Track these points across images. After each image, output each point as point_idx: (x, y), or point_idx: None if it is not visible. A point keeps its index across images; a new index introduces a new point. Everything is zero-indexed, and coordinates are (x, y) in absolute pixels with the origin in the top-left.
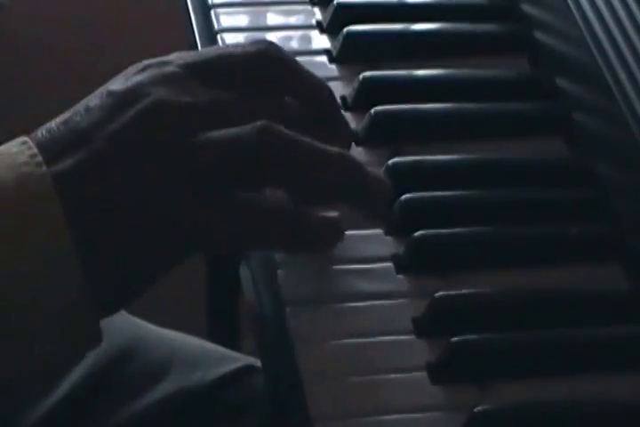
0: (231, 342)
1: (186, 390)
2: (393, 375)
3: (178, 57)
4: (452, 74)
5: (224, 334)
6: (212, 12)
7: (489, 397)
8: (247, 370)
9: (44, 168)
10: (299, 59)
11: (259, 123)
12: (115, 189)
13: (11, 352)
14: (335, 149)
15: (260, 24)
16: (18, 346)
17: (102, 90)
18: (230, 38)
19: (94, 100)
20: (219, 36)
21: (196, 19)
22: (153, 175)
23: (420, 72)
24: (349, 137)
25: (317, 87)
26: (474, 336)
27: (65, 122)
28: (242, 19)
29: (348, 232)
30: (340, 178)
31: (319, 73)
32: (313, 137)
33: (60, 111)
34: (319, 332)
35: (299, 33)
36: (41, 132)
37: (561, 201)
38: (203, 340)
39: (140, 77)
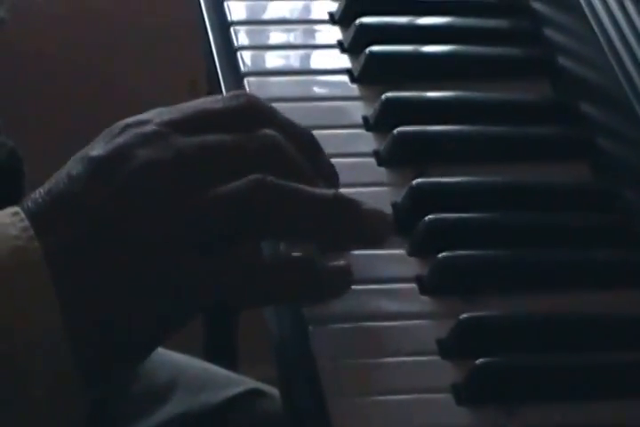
0: (229, 362)
1: (191, 412)
2: (418, 396)
3: (156, 114)
4: (474, 96)
5: (221, 353)
6: (232, 30)
7: (516, 420)
8: (253, 393)
9: (36, 243)
10: (318, 78)
11: (252, 177)
12: (112, 262)
13: None
14: (329, 191)
15: (280, 42)
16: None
17: (83, 155)
18: (249, 56)
19: (76, 167)
20: (238, 54)
21: (214, 35)
22: (152, 243)
23: (443, 93)
24: (336, 178)
25: (300, 135)
26: (499, 358)
27: (48, 192)
28: (261, 37)
29: (371, 252)
30: (340, 220)
31: (340, 93)
32: (305, 170)
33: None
34: (341, 352)
35: (319, 52)
36: (27, 203)
37: (587, 226)
38: (206, 362)
39: (120, 140)
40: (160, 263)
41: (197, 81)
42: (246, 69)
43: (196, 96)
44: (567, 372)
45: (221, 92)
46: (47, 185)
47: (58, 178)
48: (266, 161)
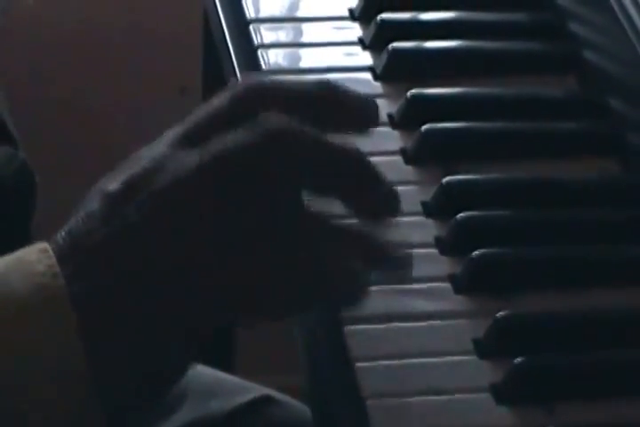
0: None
1: (202, 420)
2: (456, 396)
3: (165, 135)
4: (500, 91)
5: (219, 355)
6: (252, 28)
7: (556, 419)
8: (264, 400)
9: (62, 280)
10: (340, 76)
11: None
12: (131, 300)
13: None
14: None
15: (300, 40)
16: None
17: (99, 190)
18: (272, 55)
19: (92, 204)
20: (259, 52)
21: (231, 34)
22: (167, 278)
23: (469, 89)
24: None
25: (312, 94)
26: (538, 357)
27: (69, 232)
28: (282, 34)
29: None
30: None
31: (363, 90)
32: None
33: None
34: (377, 352)
35: (340, 49)
36: (50, 244)
37: (619, 221)
38: (215, 369)
39: (133, 171)
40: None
41: (188, 88)
42: (267, 68)
43: (187, 103)
44: (608, 369)
45: None
46: (68, 225)
47: (77, 217)
48: (279, 150)
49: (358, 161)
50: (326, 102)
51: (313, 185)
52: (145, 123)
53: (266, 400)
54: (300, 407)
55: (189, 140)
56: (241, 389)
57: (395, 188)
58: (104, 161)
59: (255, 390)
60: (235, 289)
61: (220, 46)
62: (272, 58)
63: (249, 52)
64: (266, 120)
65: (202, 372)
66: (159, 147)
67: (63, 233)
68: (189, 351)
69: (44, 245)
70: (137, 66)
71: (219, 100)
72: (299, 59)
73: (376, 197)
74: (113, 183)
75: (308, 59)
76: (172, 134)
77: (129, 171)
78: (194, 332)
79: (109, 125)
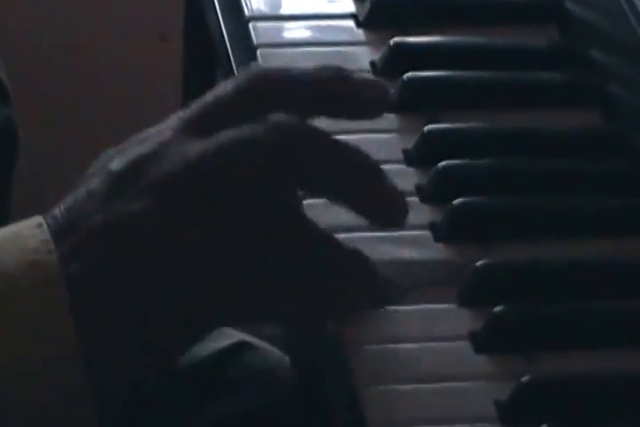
0: None
1: (179, 366)
2: (434, 344)
3: (174, 118)
4: (482, 41)
5: None
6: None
7: (535, 367)
8: (240, 346)
9: (55, 256)
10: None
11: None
12: (122, 280)
13: None
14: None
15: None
16: None
17: (102, 168)
18: (254, 1)
19: (94, 181)
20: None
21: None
22: (160, 261)
23: (451, 38)
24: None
25: (319, 88)
26: (517, 306)
27: (68, 209)
28: (274, 5)
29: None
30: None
31: (345, 38)
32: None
33: None
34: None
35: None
36: (48, 219)
37: (600, 171)
38: None
39: (138, 152)
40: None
41: (167, 35)
42: (249, 14)
43: (167, 51)
44: (587, 319)
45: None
46: (68, 200)
47: (78, 193)
48: (285, 148)
49: (365, 165)
50: (334, 89)
51: (317, 186)
52: (123, 69)
53: (242, 346)
54: (278, 354)
55: (195, 126)
56: (218, 335)
57: (405, 199)
58: (84, 110)
59: (233, 336)
60: (235, 276)
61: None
62: (254, 4)
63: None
64: (274, 118)
65: None
66: (165, 131)
67: (62, 208)
68: (187, 337)
69: (39, 219)
70: (115, 12)
71: (225, 88)
72: (281, 5)
73: (383, 204)
74: (117, 162)
75: (291, 5)
76: (178, 119)
77: (134, 151)
78: (194, 318)
79: (88, 71)
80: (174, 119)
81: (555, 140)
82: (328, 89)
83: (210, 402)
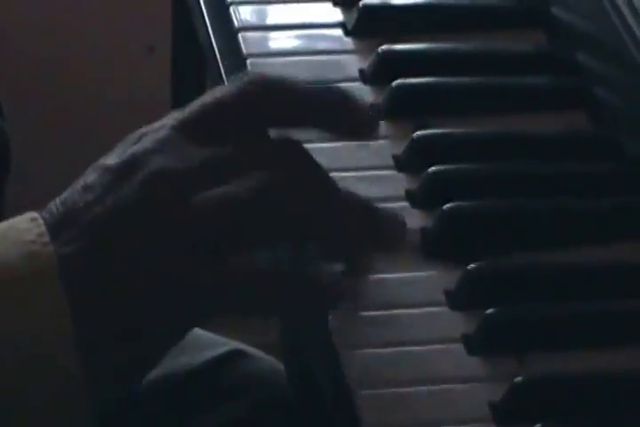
0: None
1: (175, 373)
2: (428, 347)
3: (171, 118)
4: (470, 47)
5: None
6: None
7: (526, 368)
8: (235, 354)
9: (51, 248)
10: (311, 32)
11: (254, 181)
12: (117, 270)
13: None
14: (344, 191)
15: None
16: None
17: (99, 165)
18: (243, 11)
19: (91, 176)
20: (231, 9)
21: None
22: (156, 250)
23: (439, 45)
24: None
25: (320, 98)
26: (509, 308)
27: (64, 202)
28: (263, 16)
29: None
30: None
31: (334, 46)
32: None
33: None
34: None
35: (311, 6)
36: (43, 213)
37: (588, 173)
38: None
39: (135, 148)
40: (165, 270)
41: (156, 47)
42: (238, 24)
43: (156, 62)
44: (578, 320)
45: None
46: (64, 195)
47: (74, 187)
48: (277, 163)
49: (370, 218)
50: (330, 101)
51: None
52: (112, 81)
53: (237, 354)
54: (272, 362)
55: (191, 127)
56: (212, 343)
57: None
58: (73, 122)
59: (228, 344)
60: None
61: (191, 3)
62: (243, 14)
63: (220, 8)
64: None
65: None
66: (162, 129)
67: (58, 202)
68: (182, 323)
69: (33, 214)
70: (105, 23)
71: (225, 91)
72: (269, 15)
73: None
74: (113, 157)
75: (279, 15)
76: (175, 118)
77: (131, 148)
78: (187, 306)
79: (77, 83)
80: (172, 118)
81: (543, 143)
82: (324, 100)
83: (205, 409)
